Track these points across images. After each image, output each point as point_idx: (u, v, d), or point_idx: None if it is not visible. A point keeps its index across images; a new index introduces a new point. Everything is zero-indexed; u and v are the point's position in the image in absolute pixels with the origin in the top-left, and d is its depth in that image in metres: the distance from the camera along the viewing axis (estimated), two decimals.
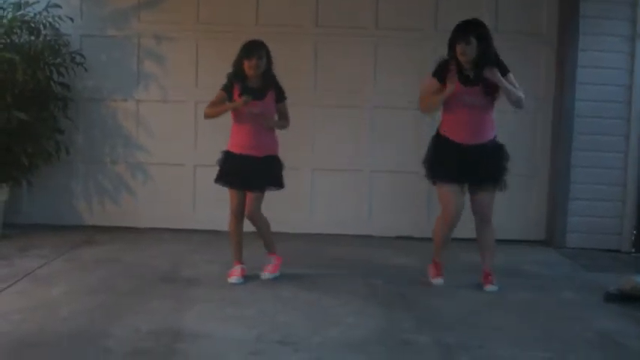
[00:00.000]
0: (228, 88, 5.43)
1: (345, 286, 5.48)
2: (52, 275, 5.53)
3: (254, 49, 5.37)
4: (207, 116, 5.50)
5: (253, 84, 5.40)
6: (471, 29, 5.26)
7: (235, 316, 4.71)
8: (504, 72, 5.32)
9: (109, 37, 7.28)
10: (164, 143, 7.24)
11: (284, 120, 5.61)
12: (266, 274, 5.57)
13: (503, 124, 7.11)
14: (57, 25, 7.00)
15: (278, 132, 5.60)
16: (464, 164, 5.30)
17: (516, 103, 5.41)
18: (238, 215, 5.52)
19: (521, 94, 5.40)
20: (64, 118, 7.11)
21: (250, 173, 5.41)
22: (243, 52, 5.37)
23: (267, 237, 5.65)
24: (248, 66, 5.33)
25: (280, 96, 5.53)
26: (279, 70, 6.62)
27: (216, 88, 5.49)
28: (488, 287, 5.44)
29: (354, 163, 7.17)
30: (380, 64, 7.16)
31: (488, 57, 5.25)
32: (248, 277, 5.47)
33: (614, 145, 6.97)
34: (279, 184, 5.58)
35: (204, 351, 4.14)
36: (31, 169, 6.87)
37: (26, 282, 5.33)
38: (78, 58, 7.06)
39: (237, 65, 5.40)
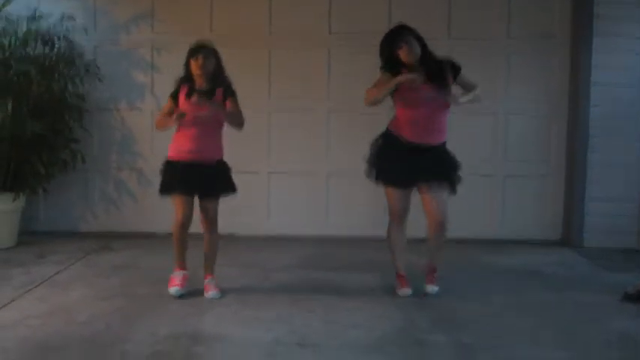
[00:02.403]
0: (174, 95, 5.18)
1: (362, 288, 5.48)
2: (69, 281, 5.57)
3: (200, 48, 5.12)
4: (158, 127, 5.32)
5: (202, 86, 5.13)
6: (402, 30, 5.14)
7: (253, 319, 4.71)
8: (457, 70, 5.19)
9: (123, 48, 7.32)
10: None
11: (235, 115, 5.19)
12: (213, 293, 5.22)
13: (518, 126, 7.19)
14: (71, 37, 7.06)
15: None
16: (411, 164, 5.11)
17: (477, 102, 5.31)
18: (186, 225, 5.20)
19: (478, 92, 5.22)
20: (80, 128, 7.15)
21: (201, 180, 5.15)
22: (190, 52, 5.14)
23: (215, 253, 5.38)
24: (195, 66, 5.05)
25: (227, 92, 5.16)
26: (295, 76, 6.72)
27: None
28: (429, 288, 5.28)
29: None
30: None
31: (429, 55, 5.15)
32: (264, 280, 5.41)
33: (630, 144, 6.94)
34: (231, 188, 5.30)
35: (222, 354, 4.15)
36: (48, 177, 6.91)
37: (44, 288, 5.35)
38: (92, 69, 7.11)
39: (186, 68, 5.15)
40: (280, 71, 7.21)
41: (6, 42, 6.69)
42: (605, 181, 6.94)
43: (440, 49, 6.78)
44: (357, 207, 7.28)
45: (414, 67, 5.07)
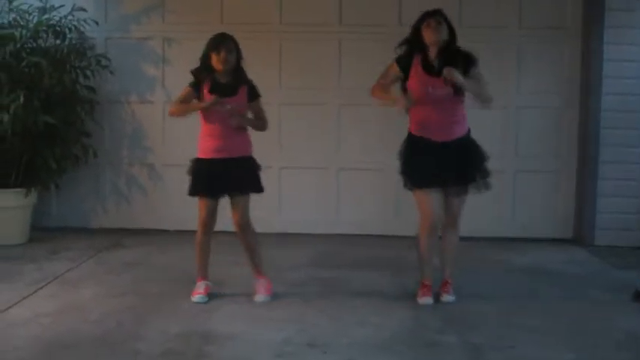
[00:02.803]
0: (195, 85, 5.03)
1: (372, 287, 5.48)
2: (81, 278, 5.59)
3: (223, 42, 4.95)
4: (172, 114, 5.12)
5: (223, 80, 5.00)
6: (437, 12, 4.99)
7: (263, 318, 4.72)
8: (472, 63, 5.00)
9: (134, 40, 7.33)
10: (191, 144, 7.22)
11: (260, 120, 5.18)
12: (261, 297, 5.10)
13: (529, 120, 7.16)
14: (82, 29, 7.08)
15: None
16: (437, 164, 4.95)
17: (484, 102, 5.06)
18: (208, 227, 5.11)
19: (487, 91, 5.07)
20: (91, 121, 7.17)
21: (229, 178, 5.01)
22: (212, 45, 4.96)
23: (256, 253, 5.20)
24: (217, 60, 4.91)
25: (253, 93, 5.10)
26: (306, 68, 6.70)
27: None
28: (445, 297, 5.12)
29: (380, 162, 7.14)
30: None
31: (454, 46, 5.00)
32: (274, 279, 5.37)
33: None
34: (258, 187, 5.16)
35: (233, 353, 4.15)
36: (59, 172, 6.93)
37: (56, 285, 5.38)
38: (103, 61, 7.11)
39: (205, 60, 4.99)
40: (291, 62, 7.19)
41: (17, 34, 6.68)
42: (617, 178, 6.89)
43: None
44: (367, 204, 7.28)
45: (434, 51, 4.95)
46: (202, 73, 5.02)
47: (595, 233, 6.96)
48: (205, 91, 4.99)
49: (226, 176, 5.01)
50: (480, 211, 6.65)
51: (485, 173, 5.09)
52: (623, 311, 4.99)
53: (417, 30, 5.02)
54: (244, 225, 5.12)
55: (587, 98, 7.02)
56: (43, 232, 7.00)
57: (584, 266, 6.27)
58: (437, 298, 5.12)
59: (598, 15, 6.88)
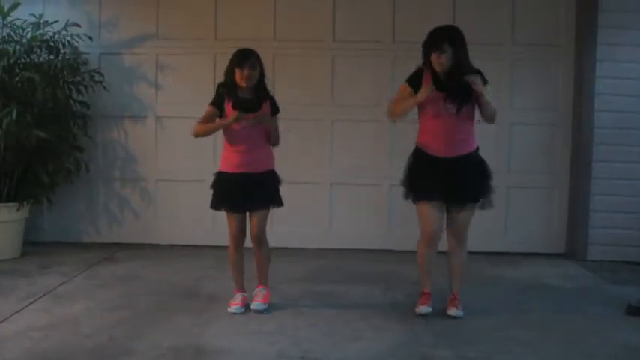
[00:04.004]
0: (218, 104, 5.06)
1: (365, 301, 5.47)
2: (73, 292, 5.56)
3: (246, 57, 4.99)
4: (197, 134, 5.08)
5: (246, 95, 5.03)
6: (444, 36, 4.92)
7: (256, 332, 4.71)
8: (483, 82, 4.94)
9: (128, 55, 7.34)
10: (184, 160, 7.27)
11: (275, 133, 5.19)
12: (257, 304, 5.17)
13: (522, 136, 7.18)
14: (76, 44, 7.07)
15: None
16: (442, 179, 4.95)
17: (490, 119, 5.01)
18: (239, 240, 5.20)
19: (494, 108, 5.00)
20: (84, 136, 7.17)
21: (251, 192, 5.06)
22: (235, 61, 5.00)
23: (266, 264, 5.30)
24: (240, 76, 4.95)
25: (274, 109, 5.18)
26: (299, 84, 6.72)
27: None
28: (453, 311, 5.08)
29: (373, 177, 7.15)
30: None
31: (464, 65, 4.93)
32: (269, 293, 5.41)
33: (634, 155, 6.90)
34: (278, 202, 5.26)
35: None
36: (52, 187, 6.92)
37: (47, 299, 5.35)
38: (97, 77, 7.12)
39: (228, 76, 5.02)
40: (285, 78, 7.19)
41: (11, 49, 6.68)
42: (610, 193, 6.91)
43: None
44: (360, 218, 7.27)
45: (443, 75, 4.93)
46: (226, 89, 5.05)
47: (588, 248, 6.97)
48: (228, 107, 5.02)
49: (248, 191, 5.07)
50: (474, 226, 6.62)
51: (489, 191, 5.09)
52: (616, 325, 4.99)
53: (426, 51, 4.99)
54: (260, 238, 5.19)
55: (580, 115, 7.04)
56: (36, 247, 6.98)
57: (577, 281, 6.27)
58: (443, 312, 5.12)
59: (591, 32, 6.92)
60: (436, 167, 4.97)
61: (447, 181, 4.95)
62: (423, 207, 5.03)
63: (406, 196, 5.12)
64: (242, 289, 5.29)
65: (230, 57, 5.08)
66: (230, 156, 5.09)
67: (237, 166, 5.06)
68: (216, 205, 5.17)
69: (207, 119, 5.08)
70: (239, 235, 5.19)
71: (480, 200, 5.06)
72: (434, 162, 4.98)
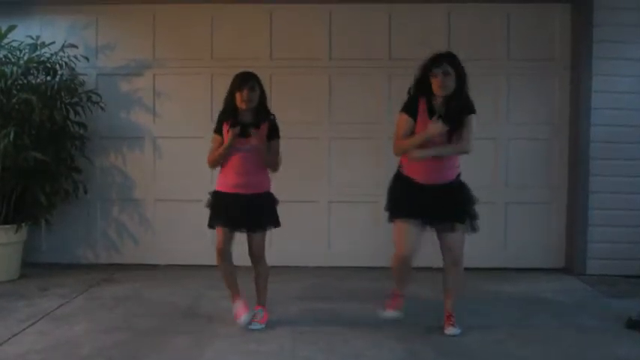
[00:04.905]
0: (219, 130, 5.17)
1: (364, 319, 5.45)
2: (72, 314, 5.55)
3: (246, 80, 5.06)
4: (211, 164, 5.22)
5: (247, 118, 5.09)
6: (448, 61, 4.90)
7: (255, 352, 4.69)
8: (469, 112, 4.92)
9: (125, 76, 7.35)
10: (182, 180, 7.27)
11: (273, 156, 5.20)
12: (254, 325, 5.18)
13: (518, 151, 7.19)
14: (73, 65, 7.08)
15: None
16: (425, 203, 4.91)
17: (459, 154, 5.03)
18: (225, 255, 5.17)
19: (466, 145, 4.92)
20: (82, 157, 7.17)
21: (247, 212, 5.12)
22: (235, 84, 5.07)
23: (265, 284, 5.34)
24: (240, 99, 5.02)
25: (273, 133, 5.18)
26: (296, 103, 6.74)
27: None
28: (450, 330, 5.04)
29: (370, 195, 7.14)
30: None
31: (461, 94, 4.91)
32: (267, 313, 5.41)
33: (632, 169, 6.92)
34: (275, 222, 5.30)
35: None
36: (49, 208, 6.91)
37: (46, 321, 5.34)
38: (94, 97, 7.11)
39: (229, 99, 5.11)
40: (281, 97, 7.20)
41: (8, 70, 6.70)
42: (607, 207, 6.93)
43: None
44: (358, 236, 7.27)
45: (439, 99, 4.91)
46: (224, 113, 5.14)
47: (587, 262, 6.97)
48: (225, 130, 5.09)
49: (244, 212, 5.12)
50: (472, 242, 6.63)
51: (472, 216, 5.05)
52: (616, 339, 4.99)
53: (425, 73, 4.96)
54: (259, 258, 5.26)
55: (576, 129, 7.05)
56: (34, 268, 6.96)
57: (576, 295, 6.26)
58: (441, 331, 5.10)
59: (586, 47, 6.94)
60: (417, 191, 4.96)
61: (426, 204, 4.92)
62: (399, 225, 5.02)
63: (390, 219, 5.11)
64: (238, 294, 5.31)
65: (230, 80, 5.15)
66: (226, 177, 5.15)
67: (233, 186, 5.12)
68: (212, 222, 5.21)
69: (215, 147, 5.18)
70: (224, 251, 5.16)
71: (467, 222, 5.02)
72: (416, 187, 4.97)
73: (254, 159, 5.12)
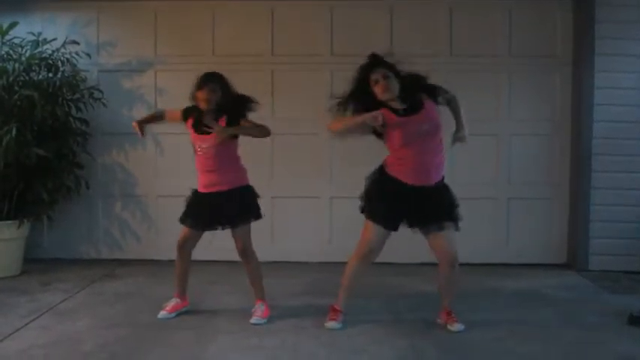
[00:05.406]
0: (185, 115, 5.29)
1: (368, 315, 5.45)
2: (74, 309, 5.56)
3: (206, 80, 5.12)
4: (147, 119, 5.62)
5: (208, 117, 5.15)
6: (380, 64, 4.88)
7: (257, 347, 4.70)
8: (435, 91, 4.91)
9: (127, 72, 7.35)
10: (183, 175, 7.23)
11: (256, 128, 5.18)
12: (256, 319, 5.20)
13: (521, 147, 7.19)
14: (75, 62, 7.08)
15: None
16: (405, 208, 4.88)
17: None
18: (184, 252, 5.35)
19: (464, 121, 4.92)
20: (84, 153, 7.19)
21: (221, 210, 5.17)
22: (196, 84, 5.14)
23: (258, 278, 5.35)
24: (200, 98, 5.10)
25: (234, 117, 5.14)
26: (298, 99, 6.74)
27: None
28: (454, 326, 5.01)
29: None
30: None
31: (414, 83, 4.86)
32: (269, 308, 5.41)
33: (634, 165, 6.92)
34: (255, 214, 5.28)
35: None
36: (51, 204, 6.93)
37: (48, 317, 5.35)
38: (96, 94, 7.13)
39: (192, 98, 5.19)
40: (283, 93, 7.21)
41: (9, 67, 6.71)
42: (609, 203, 6.93)
43: (442, 66, 6.82)
44: (360, 232, 7.24)
45: (393, 103, 4.84)
46: (191, 111, 5.25)
47: (589, 258, 6.98)
48: (191, 130, 5.25)
49: (218, 210, 5.18)
50: (473, 238, 6.67)
51: (455, 218, 4.98)
52: (618, 335, 4.98)
53: (363, 83, 4.91)
54: (246, 252, 5.29)
55: (578, 125, 7.05)
56: (36, 264, 6.97)
57: (578, 291, 6.27)
58: (441, 327, 5.11)
59: (588, 43, 6.93)
60: (402, 196, 4.87)
61: (412, 207, 4.88)
62: (371, 226, 5.02)
63: (362, 211, 5.09)
64: (180, 295, 5.46)
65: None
66: (199, 176, 5.26)
67: (205, 186, 5.23)
68: (182, 219, 5.33)
69: (168, 112, 5.55)
70: (185, 246, 5.34)
71: (447, 222, 4.94)
72: (400, 189, 4.88)
73: (219, 156, 5.15)
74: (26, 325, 5.12)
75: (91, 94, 7.11)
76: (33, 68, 6.89)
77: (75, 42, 7.04)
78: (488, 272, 6.77)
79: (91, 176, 7.27)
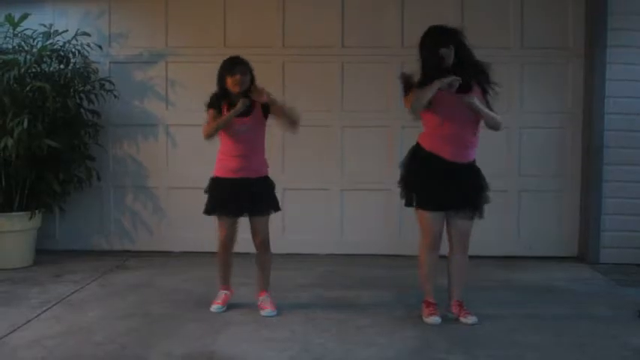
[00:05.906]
0: (217, 106, 5.14)
1: (377, 307, 5.45)
2: (85, 300, 5.58)
3: (237, 64, 5.11)
4: (208, 134, 5.10)
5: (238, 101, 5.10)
6: (446, 34, 4.94)
7: (268, 338, 4.70)
8: (488, 83, 5.00)
9: (138, 63, 7.36)
10: (195, 167, 7.26)
11: (293, 113, 5.23)
12: (266, 312, 5.20)
13: (532, 140, 7.17)
14: (86, 53, 7.10)
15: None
16: (448, 185, 4.89)
17: (494, 127, 5.01)
18: (227, 247, 5.30)
19: (498, 117, 4.99)
20: (95, 145, 7.20)
21: (248, 197, 5.14)
22: (225, 68, 5.13)
23: (269, 270, 5.35)
24: (232, 83, 5.07)
25: (267, 106, 5.15)
26: (309, 90, 6.72)
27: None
28: (469, 319, 5.00)
29: (383, 183, 7.12)
30: None
31: (469, 63, 4.96)
32: (279, 299, 5.39)
33: None
34: (276, 206, 5.31)
35: None
36: (63, 195, 6.96)
37: (60, 307, 5.37)
38: (107, 85, 7.14)
39: (220, 84, 5.16)
40: (294, 85, 7.20)
41: (21, 59, 6.72)
42: (621, 196, 6.90)
43: None
44: (371, 224, 7.27)
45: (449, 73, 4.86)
46: (219, 97, 5.16)
47: (600, 251, 6.95)
48: (225, 110, 5.12)
49: (245, 197, 5.15)
50: (484, 230, 6.61)
51: (485, 201, 5.04)
52: (628, 328, 4.97)
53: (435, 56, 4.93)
54: (265, 244, 5.28)
55: (590, 117, 7.02)
56: (48, 255, 6.99)
57: (589, 284, 6.25)
58: (450, 318, 5.09)
59: (600, 35, 6.90)
60: (440, 173, 4.90)
61: (449, 188, 4.90)
62: (424, 213, 5.00)
63: (407, 202, 5.08)
64: (227, 287, 5.42)
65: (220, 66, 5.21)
66: (227, 161, 5.18)
67: (234, 170, 5.14)
68: (209, 209, 5.25)
69: (211, 120, 5.15)
70: (228, 241, 5.27)
71: (477, 208, 5.01)
72: (438, 166, 4.90)
73: (252, 141, 5.16)
74: (38, 315, 5.14)
75: (102, 86, 7.12)
76: (44, 60, 6.91)
77: (86, 34, 7.04)
78: (498, 264, 6.76)
79: (102, 168, 7.28)
